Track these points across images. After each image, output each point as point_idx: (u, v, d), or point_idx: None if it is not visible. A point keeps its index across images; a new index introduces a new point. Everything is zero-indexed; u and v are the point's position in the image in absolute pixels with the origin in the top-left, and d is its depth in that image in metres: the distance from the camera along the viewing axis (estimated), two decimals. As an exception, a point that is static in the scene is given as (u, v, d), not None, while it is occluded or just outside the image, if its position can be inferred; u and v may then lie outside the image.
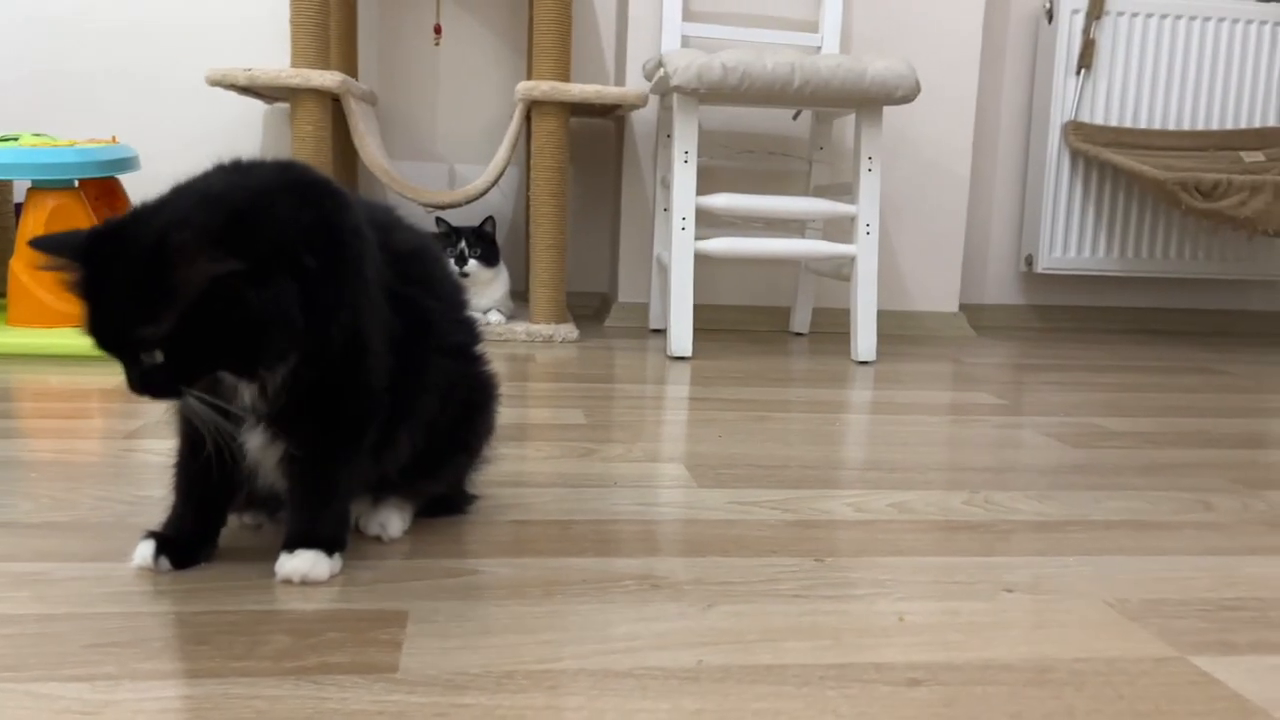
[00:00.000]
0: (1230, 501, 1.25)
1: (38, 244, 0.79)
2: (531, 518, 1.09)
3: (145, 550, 0.90)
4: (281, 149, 2.72)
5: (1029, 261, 2.97)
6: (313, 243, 0.82)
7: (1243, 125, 2.92)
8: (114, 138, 2.34)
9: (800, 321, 2.67)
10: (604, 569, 0.95)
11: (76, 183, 2.10)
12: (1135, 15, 2.85)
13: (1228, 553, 1.06)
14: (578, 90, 2.31)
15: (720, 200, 2.18)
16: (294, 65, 2.29)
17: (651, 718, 0.68)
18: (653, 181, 2.65)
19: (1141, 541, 1.09)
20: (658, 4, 2.56)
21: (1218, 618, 0.88)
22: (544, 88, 2.30)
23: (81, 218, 2.09)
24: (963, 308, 2.92)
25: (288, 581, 0.88)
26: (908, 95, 2.14)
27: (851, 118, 2.63)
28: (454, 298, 1.02)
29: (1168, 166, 2.69)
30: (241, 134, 2.71)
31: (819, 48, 2.56)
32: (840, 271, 2.36)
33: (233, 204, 0.79)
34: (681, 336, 2.19)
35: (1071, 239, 2.92)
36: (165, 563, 0.90)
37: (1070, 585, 0.95)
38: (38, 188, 2.05)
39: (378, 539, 1.00)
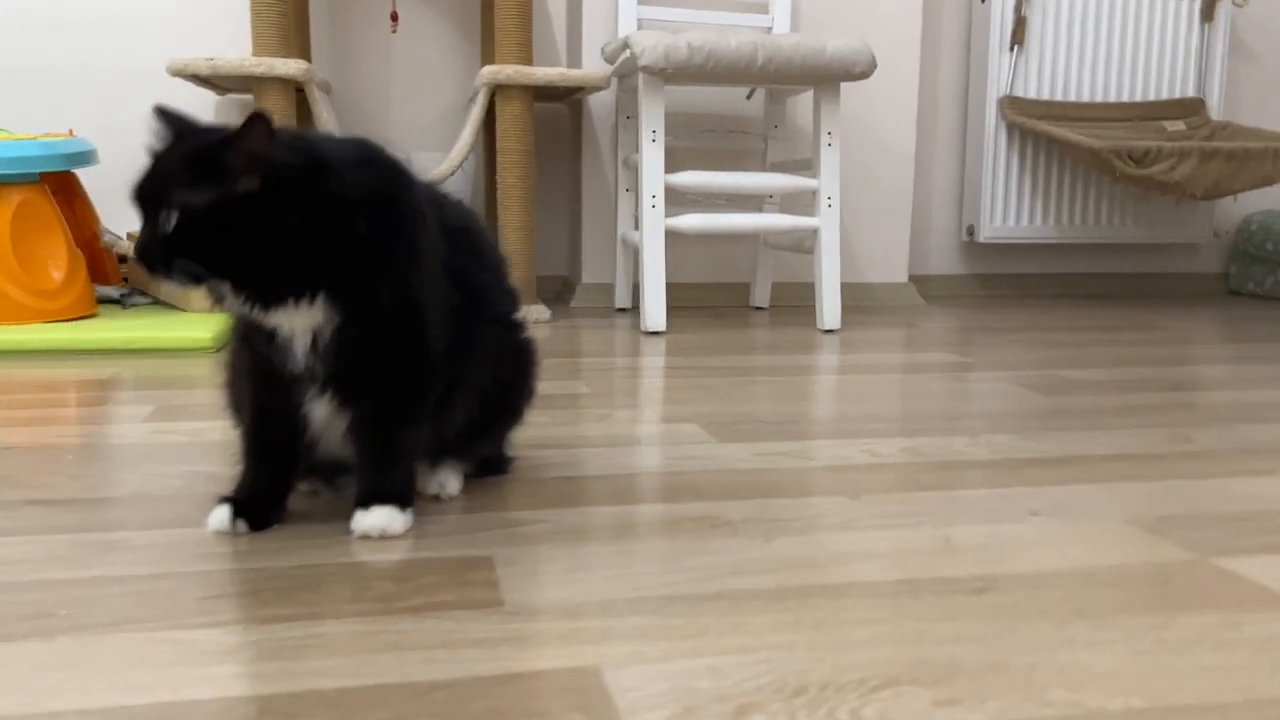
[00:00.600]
0: (1206, 434, 1.36)
1: (161, 109, 0.85)
2: (574, 474, 1.14)
3: (222, 514, 0.92)
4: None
5: (970, 232, 3.09)
6: (369, 210, 0.86)
7: (1164, 96, 3.08)
8: (70, 131, 2.31)
9: (760, 296, 2.74)
10: (661, 514, 1.00)
11: (39, 176, 2.07)
12: (1063, -7, 2.98)
13: (1218, 476, 1.16)
14: (542, 74, 2.35)
15: (687, 178, 2.24)
16: (256, 54, 2.29)
17: (753, 628, 0.73)
18: (613, 163, 2.70)
19: (1139, 470, 1.18)
20: (612, -12, 2.60)
21: (1227, 528, 0.97)
22: (509, 71, 2.33)
23: (48, 211, 2.06)
24: (910, 278, 3.03)
25: (366, 536, 0.92)
26: (865, 71, 2.23)
27: (803, 97, 2.71)
28: (499, 269, 1.06)
29: (1099, 136, 2.83)
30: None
31: (769, 29, 2.64)
32: (802, 245, 2.44)
33: (310, 144, 0.84)
34: (655, 312, 2.25)
35: (1010, 209, 3.05)
36: (242, 525, 0.92)
37: (1087, 509, 1.03)
38: (1, 182, 2.02)
39: (436, 497, 1.03)
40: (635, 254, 2.63)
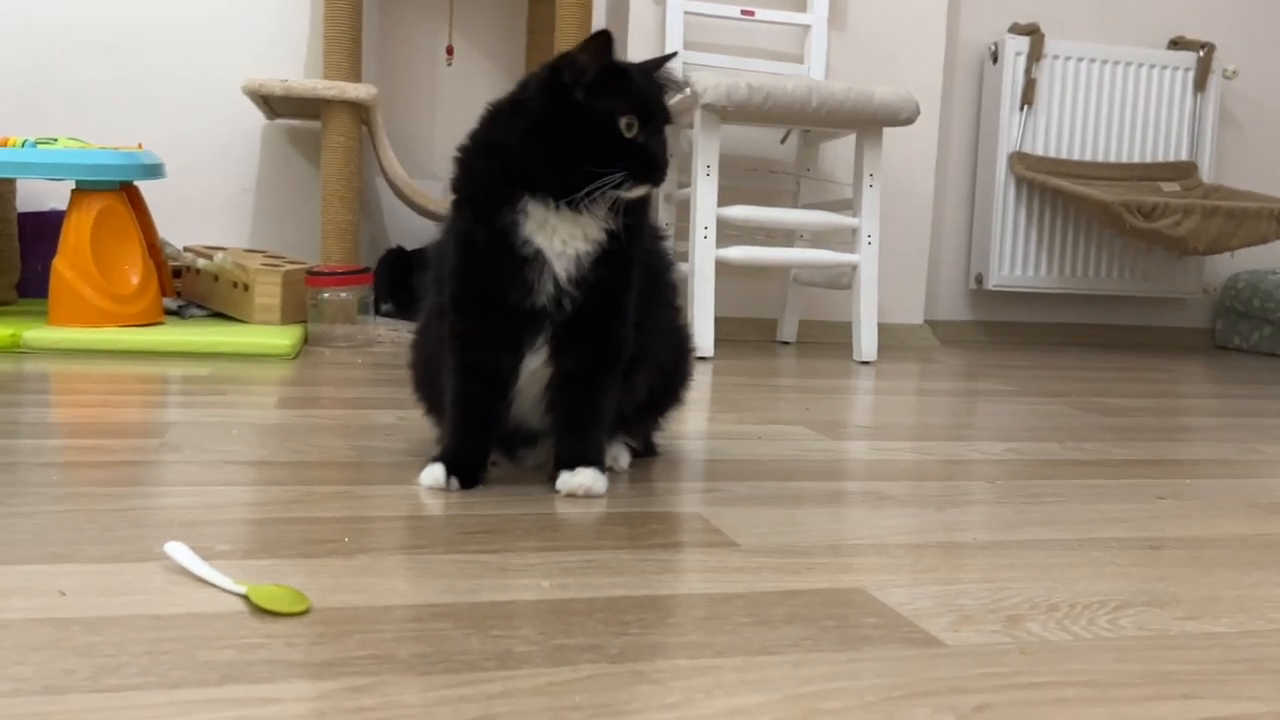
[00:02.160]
0: (1273, 447, 1.47)
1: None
2: (717, 458, 1.22)
3: (437, 472, 0.99)
4: (280, 161, 2.76)
5: (979, 279, 3.23)
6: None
7: (1159, 159, 3.27)
8: (140, 145, 2.36)
9: (788, 331, 2.85)
10: (825, 488, 1.08)
11: (118, 185, 2.12)
12: (1069, 59, 3.17)
13: (1302, 475, 1.27)
14: (598, 108, 2.45)
15: (738, 211, 2.35)
16: (326, 77, 2.37)
17: (977, 567, 0.82)
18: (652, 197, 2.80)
19: (1231, 470, 1.29)
20: (658, 34, 2.73)
21: (1336, 509, 1.08)
22: (567, 105, 2.43)
23: (126, 219, 2.10)
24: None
25: (572, 495, 0.98)
26: (910, 118, 2.36)
27: (835, 142, 2.85)
28: (667, 256, 1.14)
29: (1107, 192, 3.00)
30: (239, 146, 2.73)
31: (805, 75, 2.77)
32: (838, 280, 2.56)
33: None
34: (704, 337, 2.34)
35: (1017, 259, 3.20)
36: (454, 483, 0.99)
37: (1206, 495, 1.13)
38: (83, 189, 2.06)
39: (609, 469, 1.10)
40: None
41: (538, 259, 0.94)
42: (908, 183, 3.00)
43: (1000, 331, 3.36)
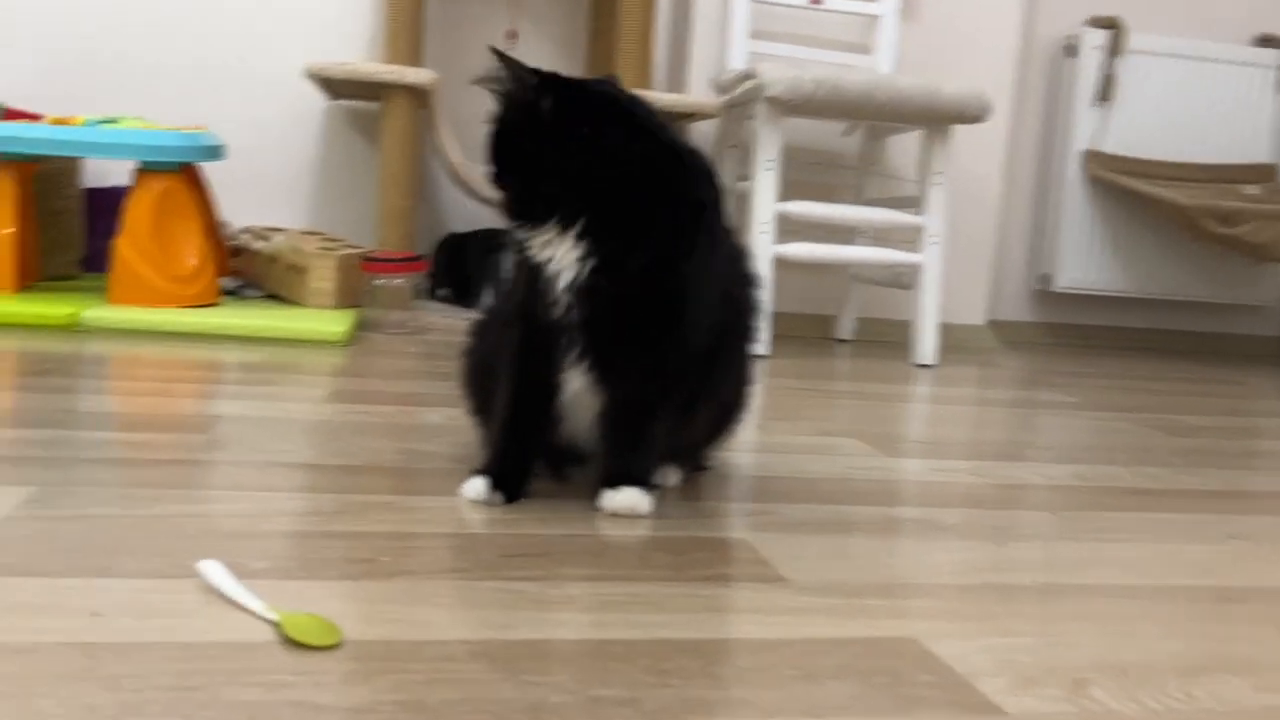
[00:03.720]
0: (1353, 479, 1.40)
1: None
2: (767, 474, 1.19)
3: (480, 484, 0.97)
4: (340, 143, 2.76)
5: (1044, 280, 3.15)
6: (655, 168, 0.94)
7: (1238, 161, 3.15)
8: (203, 125, 2.37)
9: (846, 328, 2.80)
10: (879, 514, 1.05)
11: (180, 166, 2.12)
12: (1149, 54, 3.06)
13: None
14: (658, 99, 2.41)
15: (799, 207, 2.30)
16: (387, 60, 2.35)
17: (1036, 617, 0.78)
18: (710, 190, 2.76)
19: (1308, 505, 1.22)
20: (724, 22, 2.68)
21: None
22: (628, 94, 2.39)
23: (187, 200, 2.11)
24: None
25: (615, 514, 0.96)
26: (979, 115, 2.29)
27: (900, 137, 2.77)
28: (755, 303, 1.10)
29: (1184, 195, 2.89)
30: (300, 127, 2.74)
31: (873, 68, 2.71)
32: (900, 279, 2.50)
33: (612, 92, 0.98)
34: (760, 336, 2.29)
35: (1086, 260, 3.11)
36: (498, 496, 0.97)
37: (1277, 537, 1.08)
38: (146, 169, 2.07)
39: (657, 486, 1.07)
40: (729, 280, 2.68)
41: (545, 271, 0.94)
42: (974, 179, 2.92)
43: (1064, 334, 3.27)
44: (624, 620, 0.71)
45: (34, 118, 2.26)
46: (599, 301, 0.93)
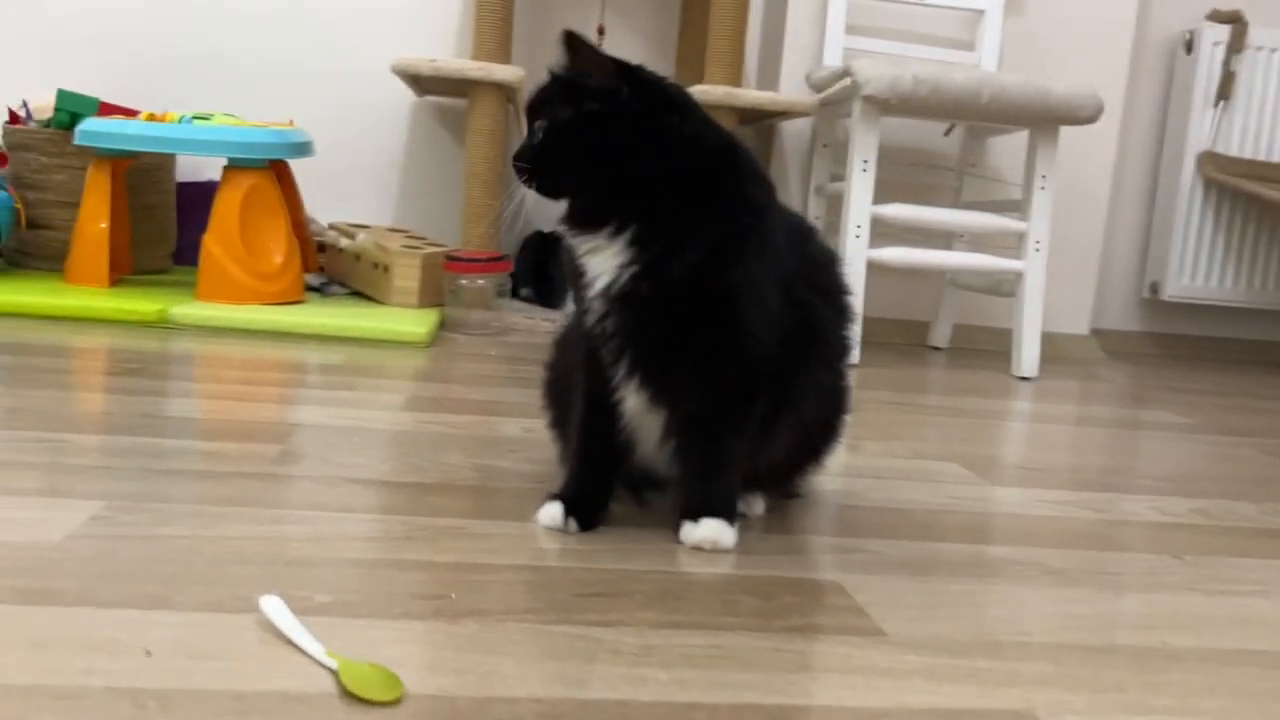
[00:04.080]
0: None
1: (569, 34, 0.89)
2: (860, 504, 1.11)
3: (555, 511, 0.92)
4: (428, 140, 2.75)
5: (1154, 289, 2.99)
6: (705, 168, 0.89)
7: (1371, 164, 2.95)
8: (291, 121, 2.37)
9: (940, 336, 2.69)
10: (981, 554, 0.97)
11: (268, 163, 2.13)
12: (1273, 50, 2.88)
13: None
14: (751, 96, 2.34)
15: (895, 210, 2.21)
16: (475, 57, 2.33)
17: (1169, 688, 0.70)
18: (800, 190, 2.68)
19: None
20: (820, 16, 2.59)
21: None
22: (718, 92, 2.33)
23: (274, 197, 2.11)
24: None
25: (697, 548, 0.90)
26: (1092, 116, 2.17)
27: (1003, 137, 2.65)
28: (845, 313, 1.03)
29: (1309, 201, 2.71)
30: (388, 123, 2.73)
31: (976, 65, 2.59)
32: (1000, 287, 2.39)
33: (666, 88, 0.91)
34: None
35: (1199, 268, 2.94)
36: (573, 524, 0.92)
37: None
38: (234, 166, 2.08)
39: (742, 515, 1.01)
40: (819, 283, 2.60)
41: (585, 277, 0.90)
42: (1081, 182, 2.78)
43: (1174, 345, 3.11)
44: (706, 679, 0.65)
45: (130, 113, 2.29)
46: (639, 308, 0.88)
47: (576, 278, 0.91)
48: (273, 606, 0.67)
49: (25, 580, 0.71)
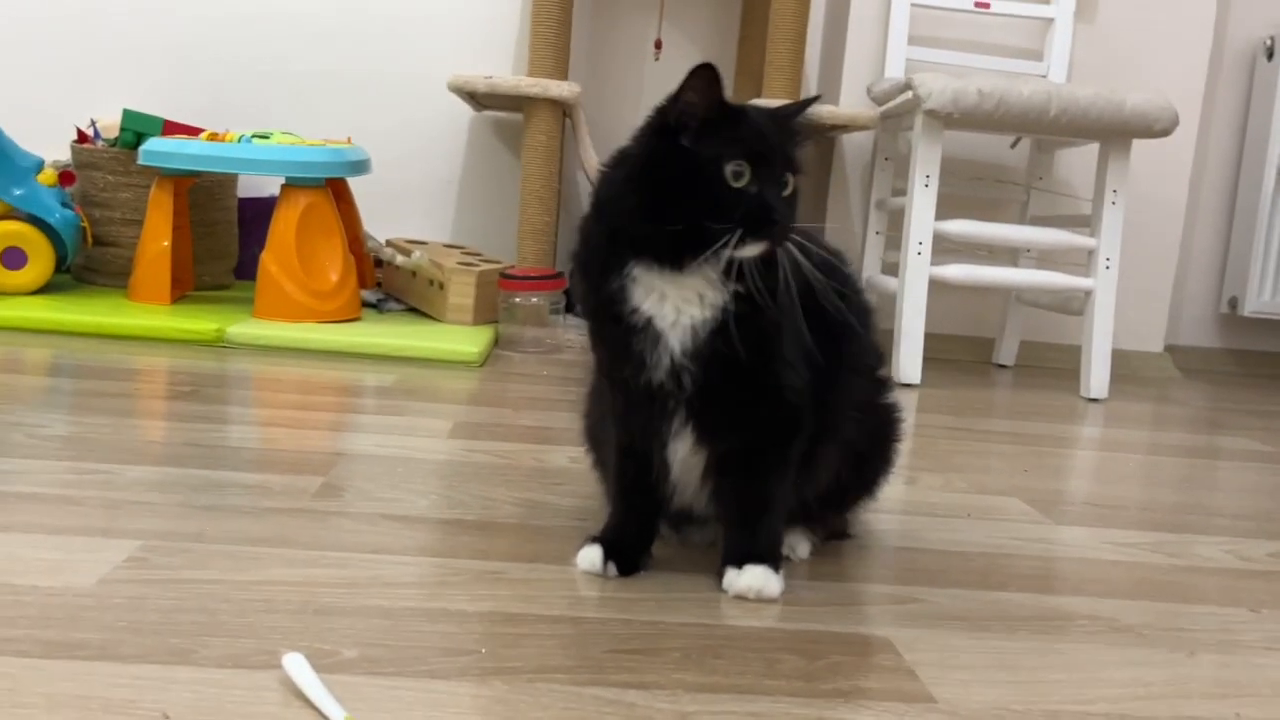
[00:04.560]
0: None
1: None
2: (915, 545, 1.07)
3: (594, 555, 0.89)
4: (485, 155, 2.75)
5: (1233, 304, 2.87)
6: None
7: None
8: (349, 139, 2.39)
9: (1006, 353, 2.61)
10: (1045, 606, 0.92)
11: (324, 181, 2.13)
12: (1363, 55, 2.75)
13: None
14: (811, 110, 2.29)
15: (957, 226, 2.15)
16: (532, 73, 2.32)
17: (1246, 772, 0.65)
18: (861, 204, 2.63)
19: None
20: (882, 27, 2.54)
21: None
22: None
23: (330, 215, 2.12)
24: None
25: (741, 597, 0.87)
26: (1167, 129, 2.09)
27: (1072, 150, 2.57)
28: (864, 318, 0.99)
29: (1401, 213, 2.58)
30: (446, 138, 2.73)
31: (1044, 75, 2.52)
32: (1068, 305, 2.31)
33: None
34: (911, 365, 2.16)
35: (1281, 283, 2.82)
36: (612, 568, 0.89)
37: None
38: (291, 185, 2.09)
39: (786, 558, 0.97)
40: (880, 299, 2.54)
41: (649, 329, 0.83)
42: (1156, 195, 2.68)
43: (1254, 363, 2.98)
44: (742, 754, 0.62)
45: (193, 131, 2.32)
46: (716, 363, 0.83)
47: (620, 324, 0.84)
48: (295, 665, 0.65)
49: (53, 631, 0.70)
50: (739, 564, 0.88)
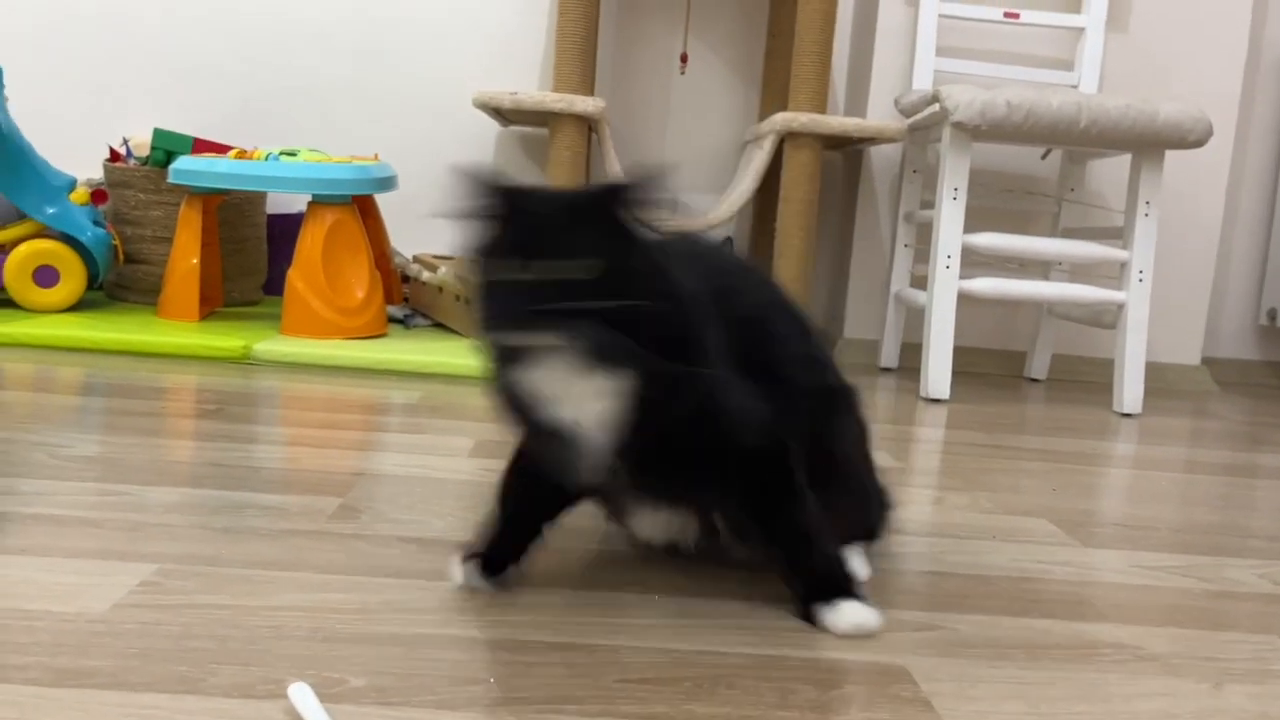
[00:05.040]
0: None
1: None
2: (938, 569, 1.05)
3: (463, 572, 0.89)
4: (512, 170, 2.75)
5: (1272, 316, 2.82)
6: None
7: None
8: (376, 155, 2.40)
9: (1038, 367, 2.58)
10: (1069, 633, 0.90)
11: (351, 198, 2.15)
12: (1405, 62, 2.70)
13: None
14: (837, 123, 2.28)
15: (987, 239, 2.12)
16: (556, 90, 2.32)
17: (1275, 813, 0.62)
18: (889, 217, 2.60)
19: None
20: (909, 38, 2.52)
21: None
22: (803, 119, 2.28)
23: (356, 232, 2.13)
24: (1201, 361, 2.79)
25: (845, 635, 0.84)
26: (1200, 140, 2.05)
27: (1104, 161, 2.54)
28: (797, 330, 0.91)
29: None
30: (473, 154, 2.74)
31: (1075, 86, 2.49)
32: (1101, 318, 2.27)
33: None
34: (940, 379, 2.13)
35: (1322, 294, 2.76)
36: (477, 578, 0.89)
37: None
38: (318, 202, 2.10)
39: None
40: (908, 312, 2.52)
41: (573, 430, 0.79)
42: (1191, 205, 2.64)
43: (1294, 376, 2.92)
44: (750, 791, 0.60)
45: (222, 149, 2.34)
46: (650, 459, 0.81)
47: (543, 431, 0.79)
48: (300, 696, 0.65)
49: (63, 659, 0.70)
50: (827, 599, 0.85)
